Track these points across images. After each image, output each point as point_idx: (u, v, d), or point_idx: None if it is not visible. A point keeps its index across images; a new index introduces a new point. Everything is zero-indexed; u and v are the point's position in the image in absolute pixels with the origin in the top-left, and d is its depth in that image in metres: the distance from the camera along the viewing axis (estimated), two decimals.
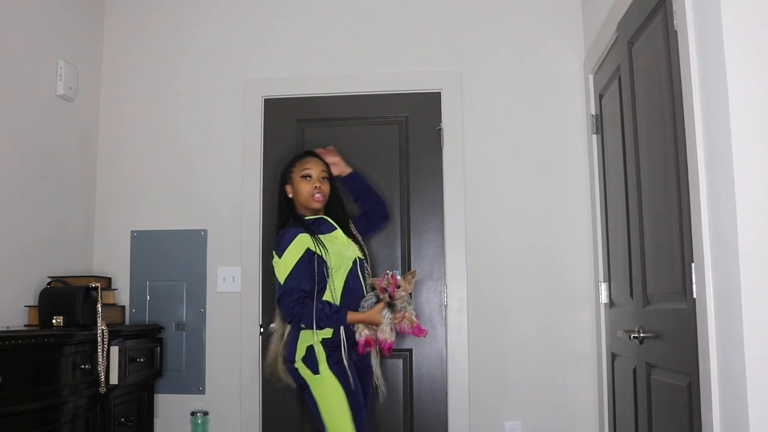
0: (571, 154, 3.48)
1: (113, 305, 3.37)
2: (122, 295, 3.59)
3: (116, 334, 2.96)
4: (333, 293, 2.84)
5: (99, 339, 2.72)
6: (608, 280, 3.18)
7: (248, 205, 3.56)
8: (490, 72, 3.57)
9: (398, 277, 2.82)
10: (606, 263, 3.20)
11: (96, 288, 2.90)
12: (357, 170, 3.23)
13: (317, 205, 2.96)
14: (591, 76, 3.37)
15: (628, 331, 2.60)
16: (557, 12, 3.57)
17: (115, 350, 2.86)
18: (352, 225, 3.10)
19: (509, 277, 3.44)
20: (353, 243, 2.99)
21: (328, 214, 3.02)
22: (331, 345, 2.80)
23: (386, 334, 2.81)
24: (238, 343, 3.50)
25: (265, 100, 3.64)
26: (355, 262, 2.93)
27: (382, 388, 3.02)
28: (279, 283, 2.81)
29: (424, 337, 2.97)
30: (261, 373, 3.45)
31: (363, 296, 2.92)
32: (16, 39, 3.08)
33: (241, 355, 3.49)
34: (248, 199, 3.56)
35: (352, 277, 2.90)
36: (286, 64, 3.67)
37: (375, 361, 2.99)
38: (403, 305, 2.83)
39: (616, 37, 2.83)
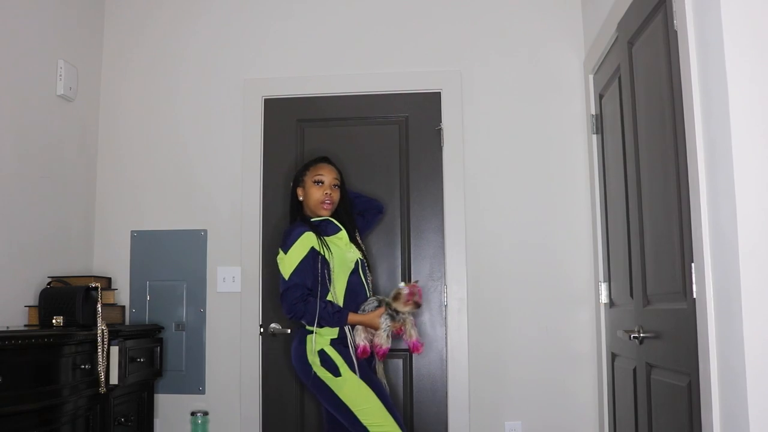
0: (571, 154, 3.49)
1: (113, 305, 3.37)
2: (122, 295, 3.59)
3: (116, 334, 2.96)
4: (335, 294, 2.89)
5: (99, 339, 2.72)
6: (608, 280, 3.18)
7: (248, 205, 3.56)
8: (490, 72, 3.57)
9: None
10: (606, 263, 3.20)
11: (96, 288, 2.90)
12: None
13: (325, 213, 3.01)
14: (591, 76, 3.37)
15: (628, 331, 2.60)
16: (557, 12, 3.57)
17: (115, 350, 2.86)
18: (357, 233, 3.14)
19: (509, 277, 3.44)
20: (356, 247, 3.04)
21: (334, 215, 3.05)
22: (339, 345, 2.84)
23: (382, 340, 2.85)
24: (238, 343, 3.50)
25: (265, 100, 3.64)
26: (357, 263, 2.98)
27: (385, 383, 3.03)
28: (283, 279, 2.85)
29: (419, 354, 3.09)
30: (261, 373, 3.45)
31: (364, 298, 2.96)
32: (16, 39, 3.08)
33: (241, 355, 3.49)
34: (248, 199, 3.56)
35: (354, 278, 2.95)
36: (286, 64, 3.67)
37: (376, 359, 3.03)
38: (403, 317, 2.90)
39: (616, 37, 2.83)
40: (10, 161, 3.01)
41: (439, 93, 3.56)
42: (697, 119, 1.99)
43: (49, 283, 3.12)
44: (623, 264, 2.83)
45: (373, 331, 2.88)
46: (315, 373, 2.82)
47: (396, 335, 2.93)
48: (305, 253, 2.84)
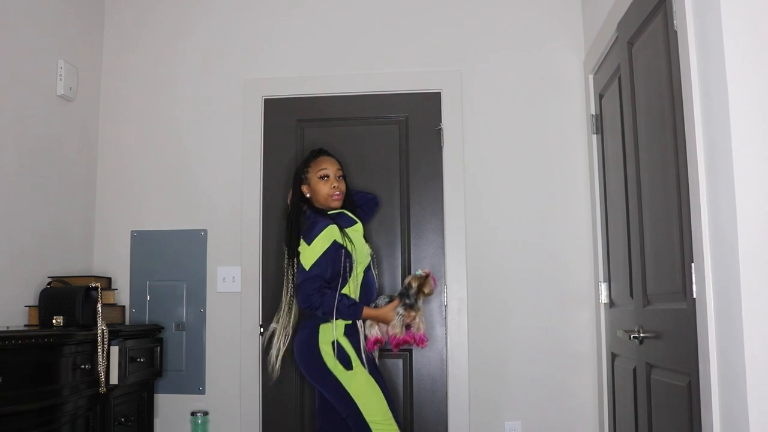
0: (571, 154, 3.49)
1: (113, 305, 3.37)
2: (122, 295, 3.59)
3: (116, 334, 2.96)
4: (353, 287, 2.93)
5: (99, 339, 2.72)
6: (608, 280, 3.18)
7: (248, 205, 3.56)
8: (490, 72, 3.58)
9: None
10: (606, 263, 3.20)
11: (96, 288, 2.90)
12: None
13: (336, 204, 3.02)
14: (591, 76, 3.37)
15: (628, 331, 2.60)
16: (557, 12, 3.57)
17: (115, 350, 2.86)
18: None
19: (509, 277, 3.45)
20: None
21: (346, 208, 3.07)
22: (352, 336, 2.87)
23: (397, 329, 2.90)
24: (238, 343, 3.50)
25: (265, 100, 3.64)
26: (371, 257, 3.04)
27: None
28: (303, 269, 2.86)
29: (422, 348, 3.08)
30: (261, 373, 3.45)
31: (376, 292, 3.03)
32: (16, 39, 3.08)
33: (241, 355, 3.49)
34: (248, 199, 3.56)
35: (369, 273, 3.01)
36: (286, 64, 3.67)
37: (376, 354, 3.08)
38: (418, 305, 2.95)
39: (616, 37, 2.83)
40: (10, 161, 3.01)
41: (439, 93, 3.56)
42: (697, 119, 1.99)
43: (49, 283, 3.12)
44: (623, 264, 2.83)
45: (384, 325, 2.94)
46: (325, 364, 2.82)
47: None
48: (327, 246, 2.86)
